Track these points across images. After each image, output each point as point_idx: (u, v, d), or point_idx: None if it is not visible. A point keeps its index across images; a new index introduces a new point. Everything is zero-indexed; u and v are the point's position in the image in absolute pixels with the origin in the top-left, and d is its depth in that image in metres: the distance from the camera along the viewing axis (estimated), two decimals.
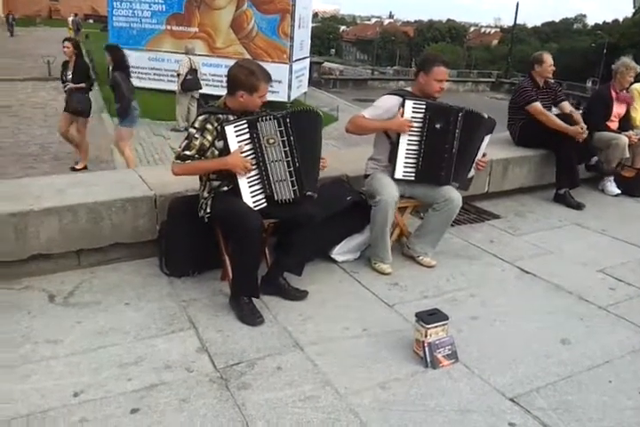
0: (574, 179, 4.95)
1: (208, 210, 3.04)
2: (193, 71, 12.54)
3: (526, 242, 4.09)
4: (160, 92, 16.55)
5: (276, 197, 3.02)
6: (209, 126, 2.97)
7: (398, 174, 3.48)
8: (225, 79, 3.08)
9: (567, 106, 5.18)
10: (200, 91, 12.92)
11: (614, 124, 5.33)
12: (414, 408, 2.30)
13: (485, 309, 3.13)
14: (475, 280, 3.47)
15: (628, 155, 5.17)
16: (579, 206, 4.82)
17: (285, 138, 2.98)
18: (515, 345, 2.78)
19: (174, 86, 13.27)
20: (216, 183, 3.06)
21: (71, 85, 7.97)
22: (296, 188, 3.03)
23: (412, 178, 3.50)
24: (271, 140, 2.97)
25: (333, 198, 3.56)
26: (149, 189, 3.53)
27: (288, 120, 2.98)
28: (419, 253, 3.64)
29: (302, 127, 3.03)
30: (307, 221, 3.04)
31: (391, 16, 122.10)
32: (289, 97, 17.62)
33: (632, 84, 5.41)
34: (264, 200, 3.01)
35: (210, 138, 2.97)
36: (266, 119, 2.96)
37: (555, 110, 5.16)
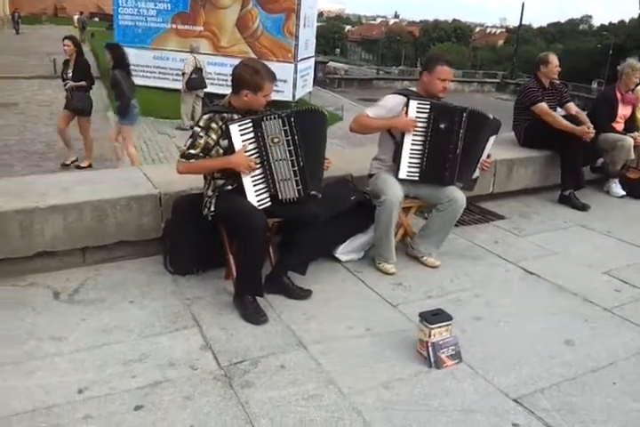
0: (579, 180, 4.95)
1: (212, 208, 3.05)
2: (198, 70, 12.54)
3: (531, 243, 4.08)
4: (165, 91, 16.56)
5: (280, 197, 3.02)
6: (213, 125, 2.97)
7: (402, 174, 3.48)
8: (230, 78, 3.08)
9: (573, 107, 5.17)
10: (205, 89, 12.93)
11: (620, 126, 5.32)
12: (418, 408, 2.30)
13: (489, 309, 3.13)
14: (479, 281, 3.47)
15: (633, 156, 5.16)
16: (584, 208, 4.81)
17: (290, 137, 2.98)
18: (519, 346, 2.77)
19: (179, 85, 13.28)
20: (220, 182, 3.07)
21: (71, 84, 7.94)
22: (300, 187, 3.03)
23: (417, 178, 3.50)
24: (275, 140, 2.97)
25: (337, 198, 3.56)
26: (154, 188, 3.54)
27: (292, 119, 2.98)
28: (423, 253, 3.64)
29: (307, 126, 3.03)
30: (311, 220, 3.04)
31: (396, 16, 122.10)
32: (294, 96, 17.61)
33: (638, 85, 5.40)
34: (268, 199, 3.01)
35: (214, 137, 2.98)
36: (270, 118, 2.96)
37: (560, 111, 5.15)
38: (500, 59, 64.76)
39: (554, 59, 5.07)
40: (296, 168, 3.01)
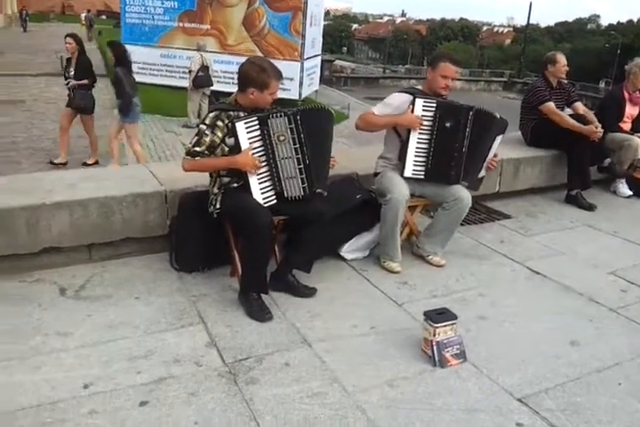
0: (586, 180, 4.93)
1: (218, 206, 3.06)
2: (204, 68, 12.57)
3: (537, 243, 4.07)
4: (172, 89, 16.61)
5: (285, 194, 3.02)
6: (219, 123, 2.98)
7: (408, 173, 3.47)
8: (236, 76, 3.09)
9: (580, 106, 5.15)
10: (211, 87, 12.96)
11: (627, 126, 5.29)
12: (422, 407, 2.30)
13: (495, 309, 3.12)
14: (484, 280, 3.46)
15: None
16: (590, 208, 4.79)
17: (296, 135, 2.98)
18: (524, 346, 2.77)
19: (186, 83, 13.31)
20: (226, 179, 3.07)
21: (73, 82, 7.92)
22: (306, 185, 3.03)
23: (422, 176, 3.49)
24: (282, 137, 2.98)
25: (343, 196, 3.57)
26: (160, 185, 3.55)
27: (299, 117, 2.98)
28: (428, 252, 3.64)
29: (313, 125, 3.03)
30: (316, 218, 3.04)
31: (404, 14, 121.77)
32: (300, 95, 17.62)
33: None
34: (274, 197, 3.01)
35: (220, 135, 2.98)
36: (276, 116, 2.96)
37: (567, 111, 5.13)
38: (508, 58, 64.54)
39: (562, 58, 5.05)
40: (302, 166, 3.01)
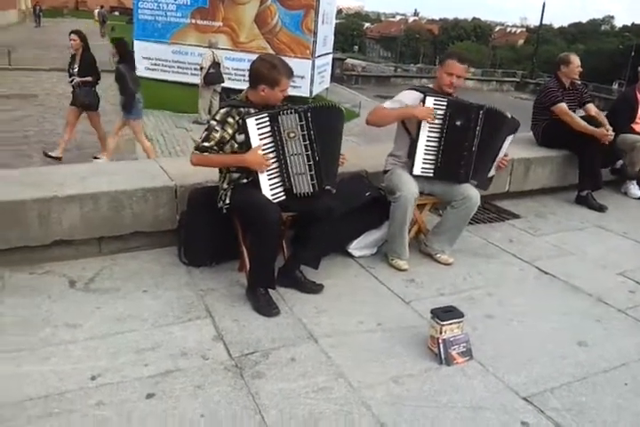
0: (597, 181, 4.90)
1: (227, 201, 3.07)
2: (216, 65, 12.60)
3: (546, 243, 4.06)
4: (183, 85, 16.68)
5: (294, 191, 3.03)
6: (230, 120, 2.98)
7: (417, 170, 3.47)
8: (247, 73, 3.10)
9: (592, 108, 5.13)
10: (222, 84, 12.98)
11: (639, 127, 5.25)
12: (427, 404, 2.30)
13: (502, 308, 3.12)
14: (492, 279, 3.46)
15: None
16: (601, 209, 4.77)
17: (306, 132, 2.99)
18: (530, 345, 2.76)
19: (197, 80, 13.34)
20: (236, 175, 3.08)
21: (77, 79, 7.90)
22: (315, 182, 3.03)
23: (431, 174, 3.49)
24: (292, 134, 2.98)
25: (352, 194, 3.57)
26: (170, 180, 3.57)
27: (309, 114, 2.98)
28: (436, 250, 3.63)
29: (323, 122, 3.03)
30: (325, 214, 3.04)
31: (416, 13, 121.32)
32: (311, 92, 17.62)
33: None
34: (283, 193, 3.02)
35: (230, 131, 2.99)
36: (287, 113, 2.97)
37: (580, 112, 5.11)
38: (520, 58, 64.19)
39: (575, 59, 5.03)
40: (311, 163, 3.02)
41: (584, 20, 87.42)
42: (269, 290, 2.99)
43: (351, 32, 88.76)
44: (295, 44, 17.74)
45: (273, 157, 2.98)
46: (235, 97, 3.24)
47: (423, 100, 3.45)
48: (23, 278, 3.13)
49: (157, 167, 3.82)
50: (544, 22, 50.97)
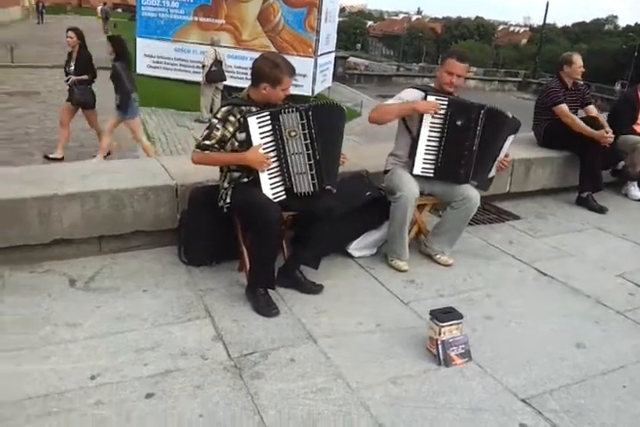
0: (598, 183, 4.90)
1: (228, 200, 3.07)
2: (218, 63, 12.60)
3: (546, 244, 4.06)
4: (185, 83, 16.69)
5: (295, 190, 3.03)
6: (231, 118, 2.99)
7: (417, 170, 3.47)
8: (249, 72, 3.10)
9: (593, 109, 5.12)
10: (224, 83, 12.98)
11: None
12: (425, 405, 2.31)
13: (501, 309, 3.12)
14: (492, 280, 3.46)
15: None
16: (601, 210, 4.77)
17: (307, 131, 2.99)
18: (529, 347, 2.77)
19: (199, 77, 13.35)
20: (236, 174, 3.09)
21: (74, 78, 7.80)
22: (315, 181, 3.03)
23: (431, 174, 3.49)
24: (293, 133, 2.98)
25: (352, 194, 3.57)
26: (171, 179, 3.57)
27: (310, 113, 2.98)
28: (436, 251, 3.64)
29: (324, 121, 3.04)
30: (325, 214, 3.05)
31: (419, 12, 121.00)
32: (313, 91, 17.62)
33: None
34: (283, 192, 3.02)
35: (231, 129, 2.99)
36: (288, 111, 2.97)
37: (581, 113, 5.10)
38: (523, 58, 64.09)
39: (578, 59, 5.01)
40: (312, 162, 3.02)
41: (588, 20, 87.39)
42: (269, 290, 2.99)
43: (354, 30, 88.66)
44: (298, 43, 17.74)
45: (274, 156, 2.98)
46: (236, 95, 3.24)
47: (424, 99, 3.45)
48: (23, 277, 3.14)
49: (158, 166, 3.82)
50: (547, 22, 50.95)
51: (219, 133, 2.98)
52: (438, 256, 3.63)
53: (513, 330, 2.92)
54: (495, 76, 44.15)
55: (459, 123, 3.43)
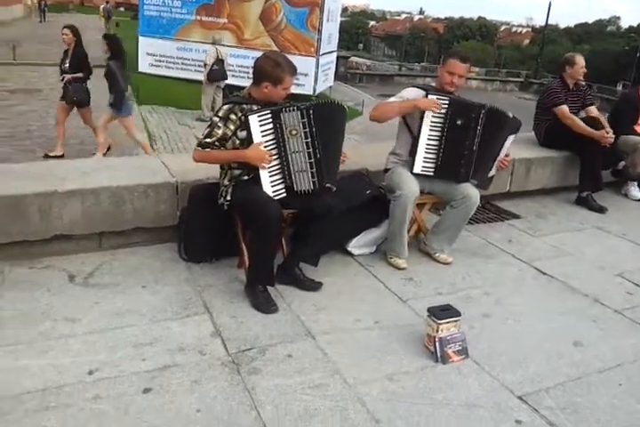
0: (598, 182, 4.90)
1: (228, 198, 3.08)
2: (219, 61, 12.61)
3: (545, 243, 4.07)
4: (187, 82, 16.71)
5: (295, 188, 3.04)
6: (232, 116, 3.00)
7: (417, 169, 3.48)
8: (251, 71, 3.11)
9: (594, 110, 5.12)
10: (226, 81, 13.00)
11: None
12: (422, 401, 2.32)
13: (499, 307, 3.13)
14: (490, 279, 3.47)
15: None
16: (601, 210, 4.77)
17: (308, 129, 2.99)
18: (527, 344, 2.77)
19: (201, 76, 13.37)
20: (237, 172, 3.09)
21: (68, 77, 7.79)
22: (316, 179, 3.04)
23: (431, 173, 3.50)
24: (293, 132, 2.99)
25: (352, 192, 3.58)
26: (171, 176, 3.58)
27: (311, 112, 2.99)
28: (435, 249, 3.65)
29: (325, 119, 3.04)
30: (325, 212, 3.06)
31: (422, 12, 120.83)
32: (314, 90, 17.65)
33: None
34: (283, 190, 3.03)
35: (232, 127, 3.00)
36: (289, 110, 2.97)
37: (582, 114, 5.11)
38: (525, 58, 64.00)
39: (580, 60, 5.02)
40: (312, 160, 3.03)
41: (590, 21, 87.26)
42: (268, 287, 3.00)
43: (356, 30, 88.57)
44: (300, 42, 17.77)
45: (274, 154, 2.99)
46: (237, 94, 3.25)
47: (425, 98, 3.46)
48: (23, 273, 3.15)
49: (159, 163, 3.83)
50: (550, 22, 51.00)
51: (220, 132, 2.99)
52: (437, 254, 3.64)
53: (511, 328, 2.93)
54: (497, 76, 44.16)
55: (459, 122, 3.44)
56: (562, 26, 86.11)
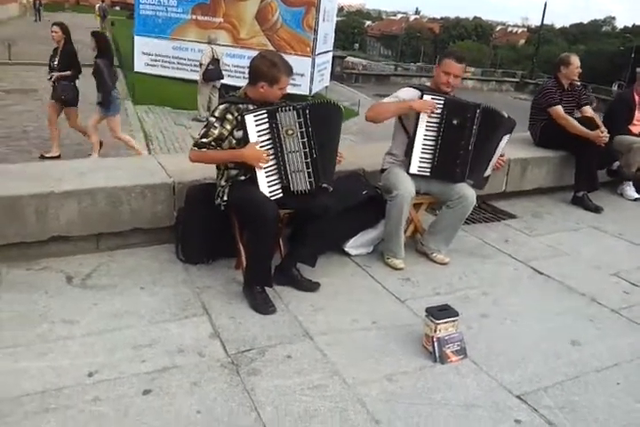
0: (593, 182, 4.92)
1: (225, 198, 3.08)
2: (215, 61, 12.59)
3: (541, 243, 4.08)
4: (183, 82, 16.68)
5: (291, 188, 3.04)
6: (229, 116, 3.00)
7: (413, 169, 3.49)
8: (247, 71, 3.11)
9: (589, 110, 5.14)
10: (222, 81, 12.98)
11: (636, 128, 5.27)
12: (420, 401, 2.32)
13: (497, 307, 3.14)
14: (487, 279, 3.48)
15: None
16: (597, 210, 4.79)
17: (304, 129, 3.00)
18: (524, 344, 2.78)
19: (197, 76, 13.34)
20: (234, 172, 3.10)
21: (56, 75, 7.67)
22: (312, 179, 3.05)
23: (428, 173, 3.51)
24: (290, 131, 2.99)
25: (349, 192, 3.58)
26: (168, 176, 3.58)
27: (307, 111, 2.99)
28: (432, 249, 3.65)
29: (321, 119, 3.04)
30: (322, 212, 3.06)
31: (417, 12, 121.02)
32: (310, 90, 17.63)
33: None
34: (280, 190, 3.03)
35: (229, 127, 3.00)
36: (285, 110, 2.97)
37: (577, 114, 5.12)
38: (520, 58, 64.18)
39: (575, 60, 5.03)
40: (309, 160, 3.03)
41: (585, 21, 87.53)
42: (266, 288, 3.00)
43: (352, 30, 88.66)
44: (295, 42, 17.75)
45: (271, 154, 2.99)
46: (234, 93, 3.25)
47: (421, 98, 3.47)
48: (20, 274, 3.14)
49: (156, 164, 3.83)
50: (545, 22, 51.00)
51: (216, 132, 2.99)
52: (434, 255, 3.64)
53: (508, 328, 2.94)
54: (493, 76, 44.20)
55: (455, 122, 3.45)
56: (557, 26, 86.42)
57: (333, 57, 22.72)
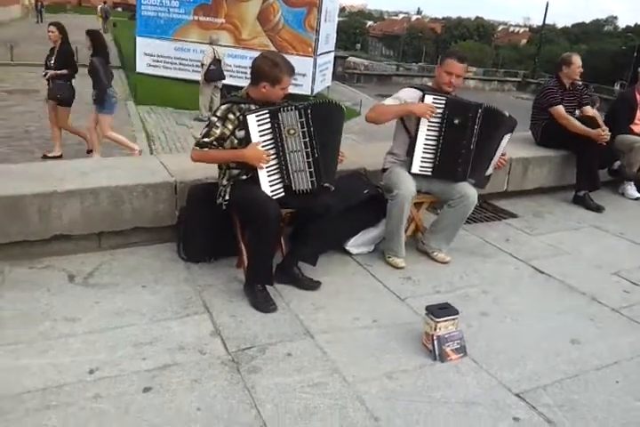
0: (595, 182, 4.93)
1: (227, 197, 3.09)
2: (217, 61, 12.62)
3: (542, 242, 4.09)
4: (185, 82, 16.70)
5: (293, 187, 3.05)
6: (231, 116, 3.01)
7: (415, 169, 3.50)
8: (249, 71, 3.12)
9: (590, 110, 5.14)
10: (224, 82, 13.00)
11: (638, 128, 5.28)
12: (420, 399, 2.33)
13: (497, 306, 3.14)
14: (488, 278, 3.48)
15: None
16: (598, 209, 4.80)
17: (306, 129, 3.01)
18: (524, 343, 2.79)
19: (199, 76, 13.37)
20: (235, 171, 3.11)
21: (52, 72, 7.66)
22: (314, 178, 3.06)
23: (429, 173, 3.52)
24: (292, 131, 3.00)
25: (350, 191, 3.59)
26: (170, 176, 3.59)
27: (309, 111, 3.00)
28: (433, 248, 3.66)
29: (323, 119, 3.06)
30: (323, 211, 3.07)
31: (419, 12, 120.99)
32: (312, 90, 17.65)
33: None
34: (282, 190, 3.04)
35: (231, 127, 3.01)
36: (287, 110, 2.98)
37: (578, 113, 5.13)
38: (522, 58, 64.13)
39: (577, 59, 5.03)
40: (310, 160, 3.04)
41: (587, 21, 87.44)
42: (267, 286, 3.02)
43: (354, 30, 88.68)
44: (297, 42, 17.77)
45: (273, 154, 3.00)
46: (235, 93, 3.27)
47: (422, 98, 3.48)
48: (23, 273, 3.15)
49: (157, 163, 3.84)
50: (547, 22, 50.98)
51: (218, 131, 3.00)
52: (435, 253, 3.65)
53: (508, 326, 2.95)
54: (495, 76, 44.18)
55: (456, 121, 3.46)
56: (559, 26, 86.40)
57: (335, 57, 22.75)
